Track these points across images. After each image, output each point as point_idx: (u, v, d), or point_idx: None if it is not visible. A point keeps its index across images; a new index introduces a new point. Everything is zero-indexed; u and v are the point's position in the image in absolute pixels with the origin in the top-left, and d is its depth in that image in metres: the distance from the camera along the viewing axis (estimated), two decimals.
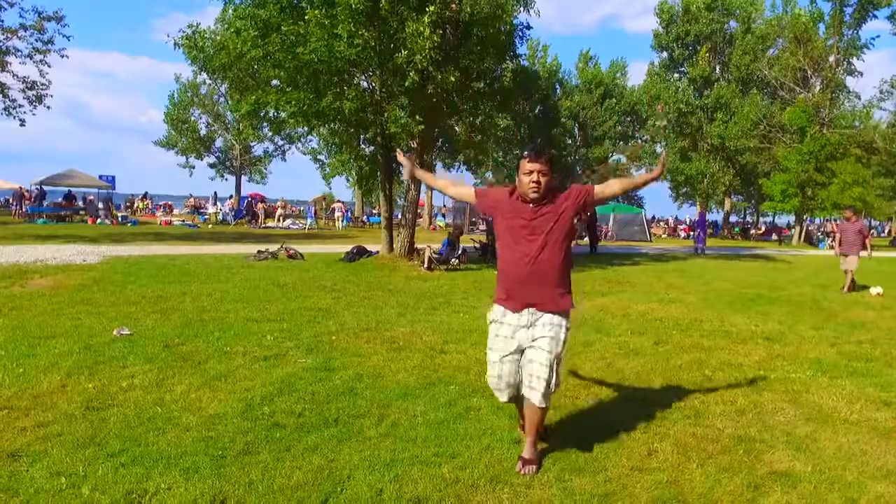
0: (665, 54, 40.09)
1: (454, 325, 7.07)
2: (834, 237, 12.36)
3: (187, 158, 37.36)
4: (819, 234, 32.55)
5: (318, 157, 37.49)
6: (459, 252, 13.33)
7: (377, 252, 14.21)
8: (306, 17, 10.52)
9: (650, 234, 32.40)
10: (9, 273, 10.22)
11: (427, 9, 10.55)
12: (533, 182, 3.11)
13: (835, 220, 28.49)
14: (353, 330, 6.49)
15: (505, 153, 47.04)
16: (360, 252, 14.35)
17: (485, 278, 12.02)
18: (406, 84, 10.97)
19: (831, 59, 32.32)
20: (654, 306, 9.11)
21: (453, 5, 11.78)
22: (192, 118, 36.29)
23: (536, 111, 45.36)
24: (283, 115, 12.08)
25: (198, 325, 6.39)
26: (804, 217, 32.37)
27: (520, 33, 14.04)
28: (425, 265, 12.98)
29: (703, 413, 4.30)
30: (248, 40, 11.07)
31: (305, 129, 13.48)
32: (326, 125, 12.87)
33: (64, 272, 10.66)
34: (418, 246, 15.66)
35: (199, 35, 12.24)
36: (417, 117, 11.28)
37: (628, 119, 50.84)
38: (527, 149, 3.15)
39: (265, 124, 14.95)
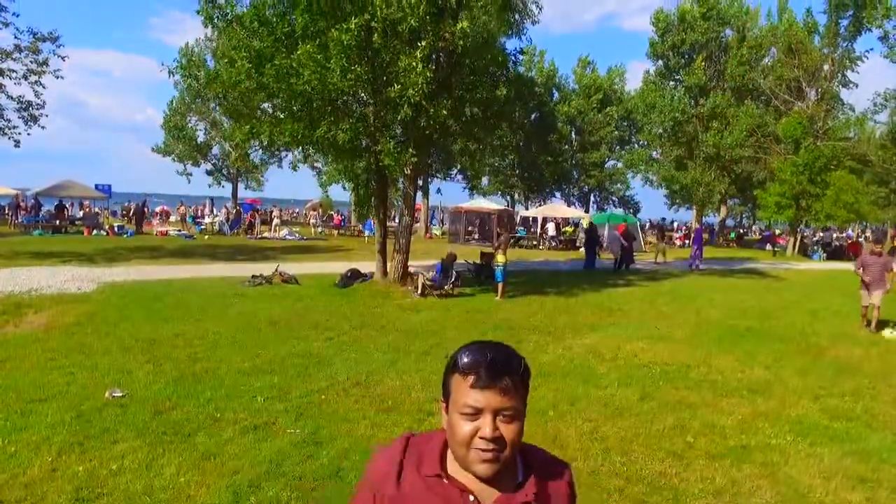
0: (661, 62, 40.16)
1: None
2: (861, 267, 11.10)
3: (185, 165, 37.29)
4: (813, 245, 32.69)
5: (315, 164, 37.50)
6: (453, 279, 13.41)
7: (371, 276, 14.28)
8: (298, 52, 10.58)
9: (644, 244, 32.50)
10: (3, 307, 10.28)
11: (419, 44, 10.62)
12: (486, 440, 1.30)
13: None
14: (342, 385, 6.56)
15: (501, 158, 47.14)
16: (354, 276, 14.42)
17: (477, 308, 12.11)
18: (399, 117, 11.05)
19: (826, 67, 32.44)
20: (644, 345, 9.19)
21: (446, 34, 11.83)
22: (190, 125, 36.19)
23: (532, 117, 45.50)
24: (277, 143, 12.16)
25: (189, 381, 6.46)
26: (799, 226, 32.50)
27: (513, 58, 14.10)
28: (418, 291, 13.07)
29: (682, 494, 4.40)
30: (243, 71, 11.12)
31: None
32: (321, 153, 12.93)
33: (58, 304, 10.72)
34: (412, 268, 15.74)
35: (193, 63, 12.30)
36: (411, 150, 11.35)
37: (625, 124, 51.14)
38: (468, 353, 1.34)
39: (258, 146, 14.99)
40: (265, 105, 12.64)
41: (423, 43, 10.58)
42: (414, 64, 10.45)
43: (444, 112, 11.20)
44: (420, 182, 15.51)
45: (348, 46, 10.41)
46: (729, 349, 9.16)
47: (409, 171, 13.05)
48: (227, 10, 11.39)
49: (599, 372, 7.61)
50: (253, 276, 13.95)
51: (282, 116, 12.31)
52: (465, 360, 1.33)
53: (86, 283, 12.97)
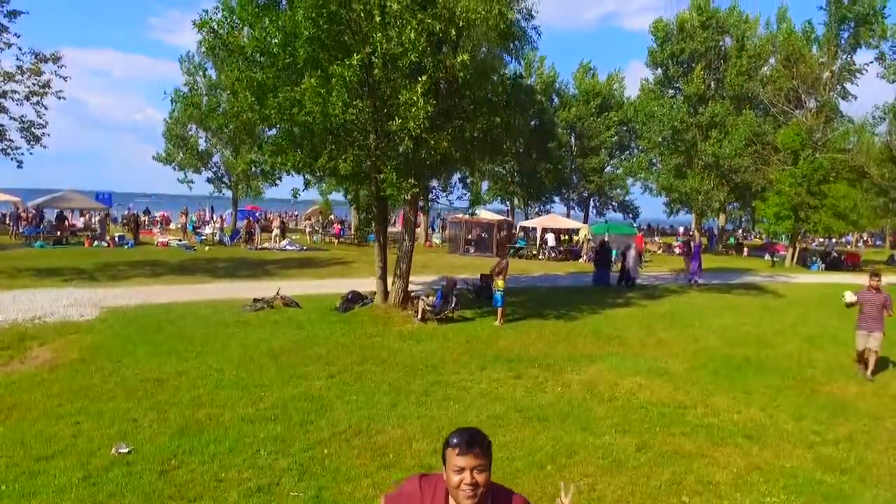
0: (659, 71, 40.30)
1: (444, 421, 7.24)
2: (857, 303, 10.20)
3: (185, 173, 37.15)
4: (812, 256, 32.82)
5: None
6: (453, 305, 13.51)
7: (371, 300, 14.36)
8: (302, 86, 10.68)
9: (643, 255, 32.55)
10: (7, 339, 10.39)
11: (420, 78, 10.71)
12: (467, 485, 2.27)
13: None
14: (344, 435, 6.67)
15: (500, 165, 47.20)
16: (355, 299, 14.51)
17: (477, 335, 12.21)
18: (400, 150, 11.17)
19: (825, 75, 32.53)
20: (641, 381, 9.30)
21: (447, 63, 11.93)
22: (191, 133, 36.06)
23: (532, 124, 45.52)
24: (277, 172, 12.28)
25: (194, 432, 6.55)
26: (798, 237, 32.61)
27: (511, 81, 14.21)
28: (419, 316, 13.17)
29: None
30: (245, 104, 11.23)
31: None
32: (323, 181, 13.07)
33: (62, 335, 10.84)
34: (413, 285, 15.86)
35: (194, 93, 12.40)
36: (412, 180, 11.46)
37: (625, 129, 51.30)
38: (455, 436, 2.34)
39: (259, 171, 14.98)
40: (266, 132, 12.76)
41: (424, 77, 10.67)
42: (415, 98, 10.55)
43: (445, 144, 11.30)
44: (421, 203, 15.61)
45: (350, 82, 10.51)
46: (725, 386, 9.26)
47: (409, 197, 13.14)
48: (230, 42, 11.47)
49: (597, 415, 7.71)
50: (255, 300, 14.04)
51: (283, 143, 12.40)
52: (454, 440, 2.32)
53: (88, 309, 13.06)
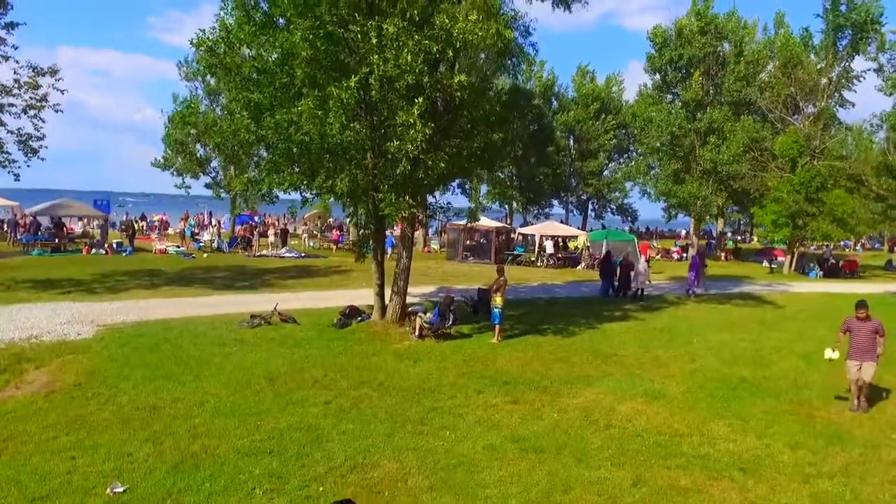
0: (658, 76, 40.26)
1: (440, 453, 7.25)
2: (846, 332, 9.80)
3: (184, 179, 37.10)
4: (809, 263, 32.84)
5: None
6: (450, 323, 13.51)
7: (369, 316, 14.36)
8: (299, 108, 10.68)
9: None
10: (4, 361, 10.37)
11: (416, 99, 10.70)
12: None
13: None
14: (340, 470, 6.66)
15: (499, 170, 47.20)
16: (352, 314, 14.53)
17: (474, 354, 12.21)
18: (398, 171, 11.17)
19: (822, 82, 32.53)
20: (638, 405, 9.31)
21: (444, 81, 11.93)
22: (189, 139, 36.01)
23: (531, 129, 45.49)
24: (275, 192, 12.29)
25: (189, 467, 6.55)
26: (796, 245, 32.63)
27: (509, 93, 14.22)
28: (416, 333, 13.17)
29: None
30: (242, 127, 11.22)
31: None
32: (319, 198, 13.08)
33: (58, 356, 10.83)
34: (411, 300, 15.84)
35: (191, 111, 12.41)
36: (409, 200, 11.47)
37: (623, 132, 51.36)
38: None
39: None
40: (263, 151, 12.78)
41: (421, 99, 10.66)
42: (412, 120, 10.54)
43: (443, 164, 11.31)
44: (420, 216, 15.63)
45: (347, 104, 10.50)
46: (722, 411, 9.26)
47: (406, 215, 13.13)
48: (227, 61, 11.46)
49: (594, 445, 7.71)
50: (252, 316, 14.01)
51: (280, 161, 12.37)
52: None
53: (85, 327, 13.05)
